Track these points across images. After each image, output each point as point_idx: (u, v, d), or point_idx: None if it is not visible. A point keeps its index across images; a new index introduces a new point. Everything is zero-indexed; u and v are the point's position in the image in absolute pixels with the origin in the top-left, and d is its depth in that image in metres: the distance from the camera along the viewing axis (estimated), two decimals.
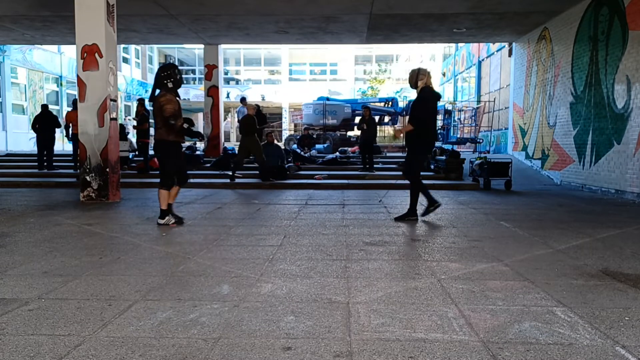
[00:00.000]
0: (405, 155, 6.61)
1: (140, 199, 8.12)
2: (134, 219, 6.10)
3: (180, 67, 31.27)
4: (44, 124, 12.33)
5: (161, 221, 5.59)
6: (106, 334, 2.45)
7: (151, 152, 12.18)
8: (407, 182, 6.27)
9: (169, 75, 5.49)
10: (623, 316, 2.73)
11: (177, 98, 5.60)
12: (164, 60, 34.46)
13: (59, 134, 12.74)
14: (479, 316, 2.71)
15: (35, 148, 12.81)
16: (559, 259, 4.03)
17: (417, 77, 5.79)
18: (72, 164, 12.41)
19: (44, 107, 12.75)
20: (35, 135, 12.50)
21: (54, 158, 12.62)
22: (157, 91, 5.63)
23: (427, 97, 5.79)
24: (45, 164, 12.41)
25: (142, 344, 2.35)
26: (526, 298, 3.03)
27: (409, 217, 6.00)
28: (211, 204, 7.53)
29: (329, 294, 3.10)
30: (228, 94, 29.33)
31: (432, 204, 6.00)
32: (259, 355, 2.22)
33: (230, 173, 10.62)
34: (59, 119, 13.61)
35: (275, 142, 11.99)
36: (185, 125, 5.57)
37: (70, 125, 11.94)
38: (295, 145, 17.17)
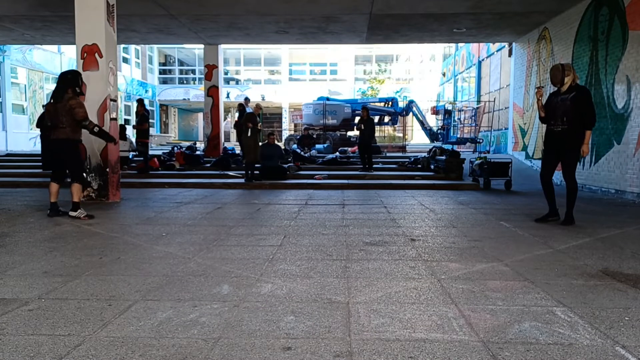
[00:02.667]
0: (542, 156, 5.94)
1: (140, 199, 8.12)
2: (134, 219, 6.10)
3: (180, 67, 30.89)
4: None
5: (73, 213, 6.01)
6: (106, 334, 2.45)
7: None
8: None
9: (77, 83, 6.08)
10: (623, 316, 2.73)
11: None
12: (164, 61, 34.50)
13: None
14: (479, 316, 2.71)
15: (38, 148, 12.78)
16: (559, 259, 4.03)
17: (563, 73, 5.56)
18: None
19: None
20: (38, 134, 12.48)
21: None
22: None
23: (591, 94, 5.56)
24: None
25: (142, 344, 2.35)
26: (526, 298, 3.03)
27: (569, 222, 5.64)
28: (211, 204, 7.53)
29: (329, 294, 3.10)
30: (228, 94, 29.35)
31: (553, 215, 5.79)
32: (259, 355, 2.22)
33: (231, 173, 10.60)
34: None
35: (276, 142, 11.97)
36: (96, 129, 6.27)
37: None
38: (295, 145, 17.17)
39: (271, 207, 7.31)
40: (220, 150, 14.69)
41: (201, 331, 2.50)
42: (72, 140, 6.09)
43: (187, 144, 18.74)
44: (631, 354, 2.25)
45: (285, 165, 11.68)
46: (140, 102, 12.51)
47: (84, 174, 6.38)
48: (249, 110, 13.17)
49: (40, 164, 12.53)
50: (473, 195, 8.85)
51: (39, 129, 12.38)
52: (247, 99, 14.48)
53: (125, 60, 27.69)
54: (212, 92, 14.84)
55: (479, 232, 5.24)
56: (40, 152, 12.78)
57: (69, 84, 6.03)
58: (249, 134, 10.43)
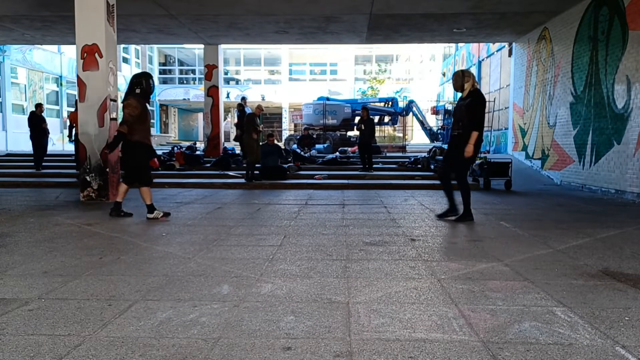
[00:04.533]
0: (442, 157, 6.30)
1: (140, 199, 8.10)
2: (134, 219, 6.10)
3: (180, 67, 30.73)
4: (35, 124, 12.33)
5: (150, 215, 6.08)
6: (106, 334, 2.45)
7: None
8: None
9: (139, 83, 5.97)
10: (623, 316, 2.73)
11: (144, 102, 6.02)
12: (164, 61, 34.50)
13: (59, 134, 12.68)
14: (479, 316, 2.71)
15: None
16: (559, 259, 4.03)
17: (463, 79, 5.76)
18: (75, 164, 12.40)
19: (37, 106, 12.67)
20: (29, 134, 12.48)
21: (44, 158, 12.62)
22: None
23: (484, 100, 5.79)
24: (33, 163, 12.47)
25: (142, 344, 2.35)
26: (526, 298, 3.03)
27: (466, 218, 5.89)
28: (211, 204, 7.53)
29: (329, 294, 3.10)
30: (228, 94, 29.33)
31: (453, 212, 5.98)
32: (259, 355, 2.22)
33: (231, 173, 10.59)
34: (61, 120, 13.50)
35: (275, 142, 11.97)
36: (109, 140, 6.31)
37: (74, 125, 11.91)
38: (295, 145, 17.17)
39: (271, 207, 7.31)
40: (220, 150, 14.69)
41: (201, 331, 2.50)
42: (132, 143, 5.91)
43: (187, 144, 18.74)
44: (631, 354, 2.25)
45: (285, 165, 11.68)
46: None
47: (148, 176, 6.15)
48: (248, 110, 13.18)
49: (33, 163, 12.54)
50: (473, 195, 8.81)
51: (29, 129, 12.42)
52: (244, 99, 14.48)
53: (125, 60, 27.68)
54: (212, 92, 14.84)
55: (479, 232, 5.24)
56: (32, 152, 12.78)
57: (131, 88, 5.94)
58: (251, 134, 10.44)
